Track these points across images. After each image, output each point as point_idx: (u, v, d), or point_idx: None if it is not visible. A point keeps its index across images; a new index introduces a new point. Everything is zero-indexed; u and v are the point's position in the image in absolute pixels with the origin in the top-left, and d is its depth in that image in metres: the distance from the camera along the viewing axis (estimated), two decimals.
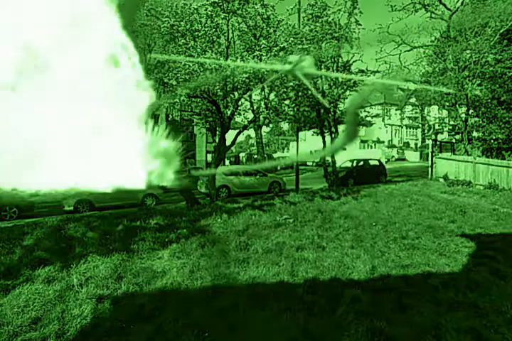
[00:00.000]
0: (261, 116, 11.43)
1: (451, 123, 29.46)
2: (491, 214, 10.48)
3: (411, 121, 54.65)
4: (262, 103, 11.21)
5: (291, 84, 10.57)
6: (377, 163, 20.87)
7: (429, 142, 21.86)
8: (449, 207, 11.25)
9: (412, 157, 44.76)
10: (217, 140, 12.66)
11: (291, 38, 10.26)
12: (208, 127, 14.43)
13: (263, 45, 9.71)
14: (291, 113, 13.30)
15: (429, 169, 19.00)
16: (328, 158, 16.95)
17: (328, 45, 15.46)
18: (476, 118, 20.84)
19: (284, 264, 5.84)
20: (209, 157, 33.94)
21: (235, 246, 6.63)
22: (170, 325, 4.03)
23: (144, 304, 4.46)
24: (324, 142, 16.36)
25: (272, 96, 11.61)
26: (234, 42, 10.63)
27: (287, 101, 12.41)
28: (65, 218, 8.14)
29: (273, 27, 10.15)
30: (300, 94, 12.24)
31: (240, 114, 11.56)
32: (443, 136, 37.08)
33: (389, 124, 55.72)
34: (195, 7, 9.43)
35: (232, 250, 6.46)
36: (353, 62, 16.73)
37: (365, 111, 22.10)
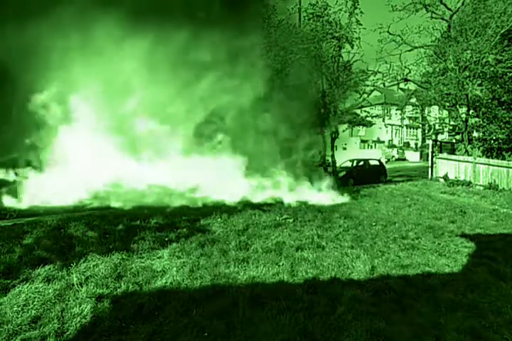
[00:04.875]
0: None
1: (452, 123, 29.43)
2: (491, 214, 10.48)
3: (411, 121, 54.60)
4: None
5: None
6: (377, 162, 20.85)
7: (430, 142, 21.85)
8: (449, 207, 11.26)
9: (412, 157, 44.72)
10: None
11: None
12: None
13: None
14: None
15: (429, 169, 19.01)
16: (329, 158, 16.93)
17: (328, 45, 15.46)
18: (477, 119, 20.82)
19: (283, 264, 5.84)
20: None
21: (234, 246, 6.63)
22: (169, 325, 4.04)
23: (144, 303, 4.46)
24: (324, 142, 16.35)
25: None
26: None
27: None
28: (65, 217, 8.13)
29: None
30: None
31: None
32: (443, 136, 37.07)
33: (389, 124, 55.70)
34: None
35: (231, 249, 6.46)
36: (354, 61, 16.72)
37: (365, 111, 22.11)
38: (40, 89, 8.80)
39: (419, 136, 55.48)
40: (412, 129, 58.80)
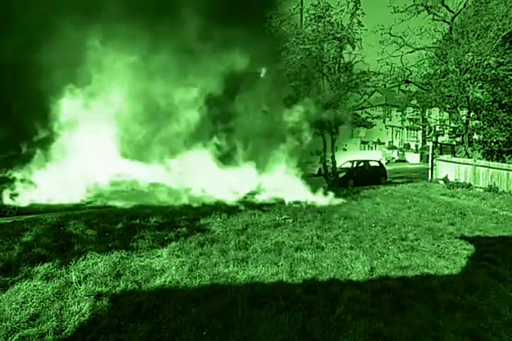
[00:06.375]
0: None
1: (452, 125, 29.46)
2: (491, 216, 10.49)
3: (412, 123, 54.65)
4: None
5: None
6: (377, 164, 20.86)
7: (430, 144, 21.86)
8: (449, 209, 11.26)
9: (413, 159, 44.79)
10: None
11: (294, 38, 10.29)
12: None
13: None
14: None
15: (430, 171, 19.01)
16: (329, 159, 16.94)
17: (330, 46, 15.46)
18: (477, 121, 20.84)
19: (283, 264, 5.84)
20: None
21: (234, 246, 6.62)
22: (168, 323, 4.03)
23: (143, 302, 4.45)
24: (324, 143, 16.35)
25: None
26: None
27: None
28: (64, 215, 8.12)
29: None
30: None
31: None
32: (443, 138, 37.08)
33: (390, 126, 55.77)
34: None
35: (231, 249, 6.45)
36: (355, 63, 16.72)
37: (366, 112, 22.11)
38: (43, 87, 8.81)
39: (420, 138, 55.54)
40: (412, 131, 58.88)
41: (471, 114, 19.88)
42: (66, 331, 3.88)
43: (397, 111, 48.28)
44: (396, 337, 3.87)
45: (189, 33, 9.46)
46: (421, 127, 51.88)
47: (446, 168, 17.91)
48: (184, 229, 7.58)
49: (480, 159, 17.76)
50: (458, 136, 24.81)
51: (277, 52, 13.59)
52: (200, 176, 10.68)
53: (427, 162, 22.73)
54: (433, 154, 19.03)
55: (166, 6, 9.51)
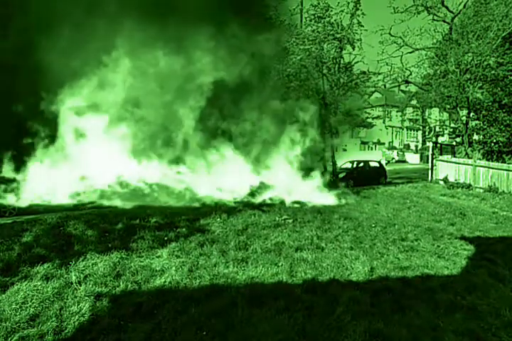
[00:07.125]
0: None
1: (452, 125, 29.49)
2: (491, 217, 10.49)
3: (412, 123, 54.69)
4: None
5: None
6: (377, 164, 20.85)
7: (430, 144, 21.86)
8: (449, 209, 11.26)
9: (413, 159, 44.77)
10: None
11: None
12: None
13: None
14: None
15: (430, 171, 19.01)
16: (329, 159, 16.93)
17: (330, 46, 15.48)
18: (477, 121, 20.85)
19: (282, 264, 5.83)
20: None
21: (234, 246, 6.62)
22: (168, 323, 4.03)
23: (143, 302, 4.45)
24: (324, 143, 16.33)
25: None
26: None
27: None
28: (64, 215, 8.11)
29: None
30: None
31: None
32: (443, 139, 37.11)
33: (390, 126, 55.76)
34: None
35: (231, 249, 6.45)
36: (355, 63, 16.75)
37: (366, 112, 22.08)
38: (44, 87, 8.81)
39: (420, 138, 55.57)
40: (412, 131, 58.89)
41: (471, 114, 19.90)
42: (66, 331, 3.88)
43: (397, 111, 48.30)
44: (396, 337, 3.87)
45: (188, 33, 9.48)
46: (421, 127, 51.94)
47: (446, 169, 17.90)
48: (184, 229, 7.57)
49: (480, 159, 17.77)
50: (458, 136, 24.86)
51: (277, 52, 13.61)
52: (201, 175, 10.69)
53: (427, 162, 22.73)
54: (433, 154, 19.02)
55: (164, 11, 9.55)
